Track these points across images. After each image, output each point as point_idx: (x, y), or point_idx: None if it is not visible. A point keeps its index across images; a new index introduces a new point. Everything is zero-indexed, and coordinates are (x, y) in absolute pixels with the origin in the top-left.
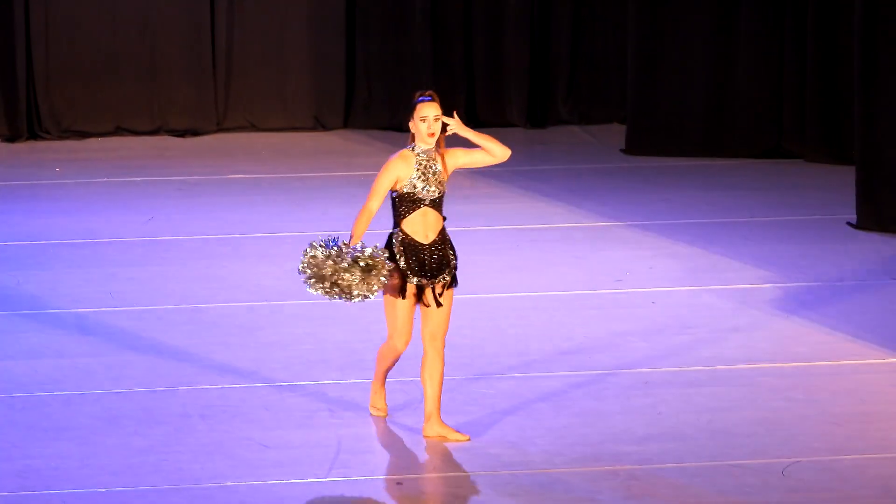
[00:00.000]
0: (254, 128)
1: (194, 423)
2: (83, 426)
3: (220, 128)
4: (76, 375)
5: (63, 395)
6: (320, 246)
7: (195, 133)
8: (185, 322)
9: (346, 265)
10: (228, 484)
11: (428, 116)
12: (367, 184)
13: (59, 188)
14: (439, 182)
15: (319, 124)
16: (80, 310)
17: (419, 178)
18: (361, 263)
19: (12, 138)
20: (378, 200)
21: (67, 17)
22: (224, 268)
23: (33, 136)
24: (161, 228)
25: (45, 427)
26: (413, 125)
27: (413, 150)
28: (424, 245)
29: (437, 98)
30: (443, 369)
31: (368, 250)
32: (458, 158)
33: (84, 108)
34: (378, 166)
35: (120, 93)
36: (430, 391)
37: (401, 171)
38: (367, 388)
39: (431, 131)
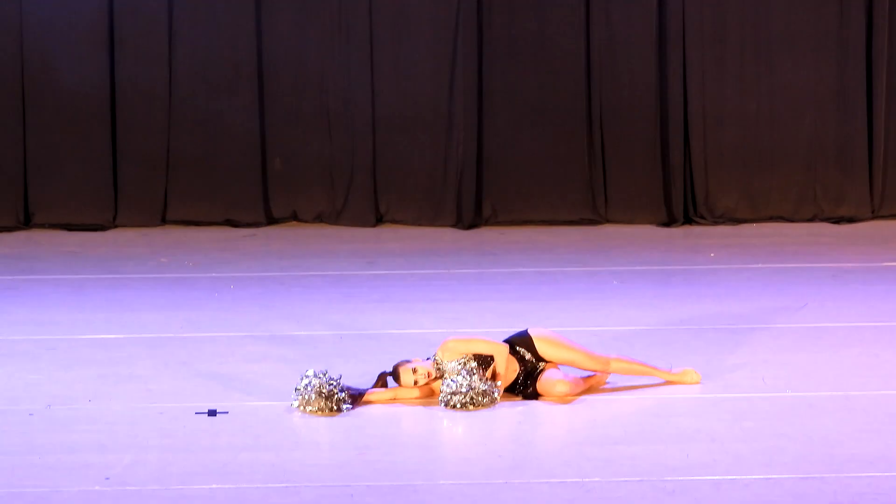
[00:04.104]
0: None
1: None
2: None
3: (876, 215)
4: (727, 460)
5: (713, 480)
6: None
7: (850, 220)
8: (836, 409)
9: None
10: None
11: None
12: None
13: (714, 273)
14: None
15: None
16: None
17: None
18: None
19: (669, 223)
20: None
21: (721, 105)
22: (877, 356)
23: (689, 221)
24: (814, 315)
25: None
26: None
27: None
28: None
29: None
30: None
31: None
32: None
33: (739, 196)
34: None
35: (776, 181)
36: None
37: None
38: None
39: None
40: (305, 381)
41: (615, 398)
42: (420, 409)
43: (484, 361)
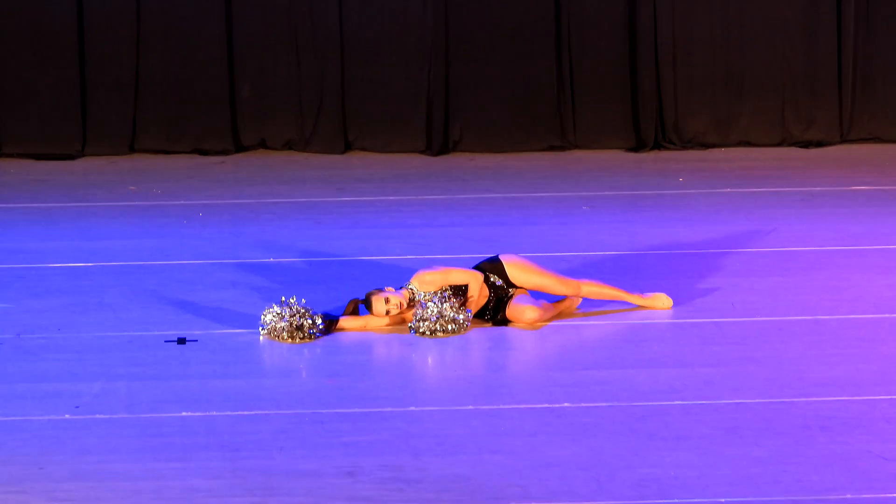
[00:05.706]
0: (878, 140)
1: (814, 434)
2: (702, 435)
3: (845, 139)
4: (696, 384)
5: (683, 405)
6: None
7: (819, 144)
8: (805, 333)
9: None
10: (847, 496)
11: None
12: None
13: (683, 198)
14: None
15: None
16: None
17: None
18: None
19: (638, 148)
20: None
21: (691, 29)
22: (846, 279)
23: (657, 146)
24: (784, 239)
25: (665, 436)
26: None
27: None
28: None
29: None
30: None
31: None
32: None
33: (708, 120)
34: None
35: (746, 106)
36: None
37: None
38: None
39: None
40: (275, 308)
41: (585, 323)
42: (390, 336)
43: (458, 290)
